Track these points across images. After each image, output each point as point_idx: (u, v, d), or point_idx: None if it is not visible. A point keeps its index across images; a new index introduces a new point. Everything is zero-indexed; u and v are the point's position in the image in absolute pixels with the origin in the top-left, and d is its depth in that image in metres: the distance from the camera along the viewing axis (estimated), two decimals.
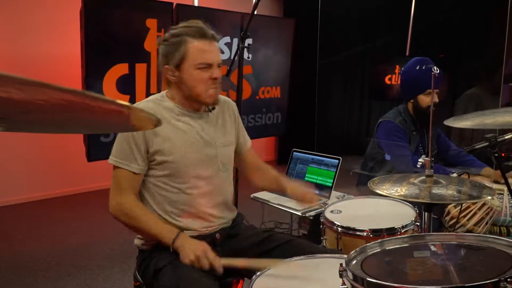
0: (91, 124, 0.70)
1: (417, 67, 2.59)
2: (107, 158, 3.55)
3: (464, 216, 2.30)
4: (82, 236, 3.78)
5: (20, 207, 4.55)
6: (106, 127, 0.80)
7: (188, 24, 1.56)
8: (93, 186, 5.04)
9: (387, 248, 1.06)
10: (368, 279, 0.90)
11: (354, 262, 1.01)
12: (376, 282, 0.88)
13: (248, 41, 4.23)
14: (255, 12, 4.91)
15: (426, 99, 2.60)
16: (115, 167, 1.56)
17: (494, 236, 0.99)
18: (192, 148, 1.60)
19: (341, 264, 0.97)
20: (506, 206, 2.33)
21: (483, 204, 2.25)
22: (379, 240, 1.08)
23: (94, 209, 4.49)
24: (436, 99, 2.57)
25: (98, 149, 3.26)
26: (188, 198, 1.60)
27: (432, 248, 1.03)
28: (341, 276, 0.96)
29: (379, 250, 1.06)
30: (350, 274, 0.93)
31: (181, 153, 1.58)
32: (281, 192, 1.83)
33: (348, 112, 7.08)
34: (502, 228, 2.36)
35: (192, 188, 1.61)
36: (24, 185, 4.64)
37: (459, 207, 2.24)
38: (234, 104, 1.84)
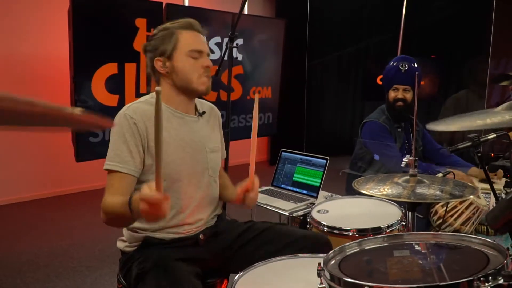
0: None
1: (391, 63, 2.65)
2: (96, 158, 3.53)
3: (451, 216, 2.31)
4: (71, 237, 3.76)
5: (8, 207, 4.52)
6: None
7: (175, 21, 1.59)
8: (82, 186, 5.02)
9: (366, 247, 1.06)
10: (345, 278, 0.90)
11: (332, 262, 1.01)
12: (353, 282, 0.88)
13: (238, 41, 4.25)
14: (246, 12, 4.93)
15: (392, 94, 2.66)
16: (110, 172, 1.48)
17: (469, 235, 1.00)
18: (185, 153, 1.58)
19: (319, 264, 0.97)
20: (493, 205, 2.34)
21: (470, 204, 2.27)
22: (358, 240, 1.09)
23: (83, 210, 4.47)
24: (401, 95, 2.62)
25: (86, 149, 3.24)
26: (175, 202, 1.57)
27: (410, 247, 1.04)
28: (319, 275, 0.96)
29: (358, 249, 1.06)
30: (327, 274, 0.93)
31: (175, 157, 1.55)
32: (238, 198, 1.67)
33: (340, 112, 7.10)
34: (489, 227, 2.38)
35: (181, 193, 1.58)
36: (13, 186, 4.61)
37: (446, 206, 2.25)
38: (219, 113, 1.85)
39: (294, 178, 2.49)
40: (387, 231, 1.74)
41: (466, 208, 2.29)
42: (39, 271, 3.13)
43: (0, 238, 3.76)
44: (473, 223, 2.30)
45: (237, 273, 1.33)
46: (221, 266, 1.67)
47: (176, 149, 1.56)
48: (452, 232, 2.32)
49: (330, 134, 6.96)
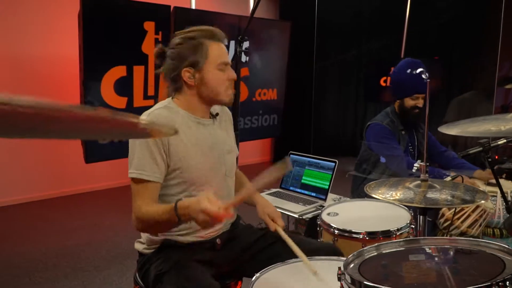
0: (106, 134, 0.72)
1: (408, 71, 2.65)
2: (105, 160, 3.55)
3: (458, 218, 2.34)
4: (79, 237, 3.79)
5: (17, 207, 4.55)
6: (121, 136, 0.82)
7: (199, 28, 1.58)
8: (90, 187, 5.06)
9: (384, 251, 1.09)
10: (365, 282, 0.93)
11: (351, 265, 1.04)
12: (373, 286, 0.91)
13: (245, 44, 4.27)
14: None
15: (411, 102, 2.67)
16: (136, 180, 1.50)
17: (485, 240, 1.02)
18: (204, 156, 1.61)
19: (339, 268, 1.00)
20: (499, 208, 2.37)
21: (477, 207, 2.30)
22: (376, 244, 1.12)
23: (91, 210, 4.51)
24: (420, 104, 2.64)
25: (95, 151, 3.27)
26: None
27: (427, 251, 1.07)
28: (339, 279, 0.99)
29: (375, 253, 1.09)
30: (348, 278, 0.96)
31: (195, 161, 1.58)
32: (251, 205, 1.85)
33: (344, 114, 7.12)
34: (495, 230, 2.41)
35: None
36: (21, 186, 4.64)
37: (453, 209, 2.28)
38: (229, 112, 1.87)
39: (302, 181, 2.52)
40: (397, 234, 1.77)
41: (473, 211, 2.32)
42: (47, 271, 3.16)
43: (9, 237, 3.79)
44: (480, 225, 2.33)
45: (252, 277, 1.36)
46: (236, 270, 1.70)
47: (196, 153, 1.59)
48: (459, 234, 2.36)
49: (334, 135, 6.97)
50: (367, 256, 1.07)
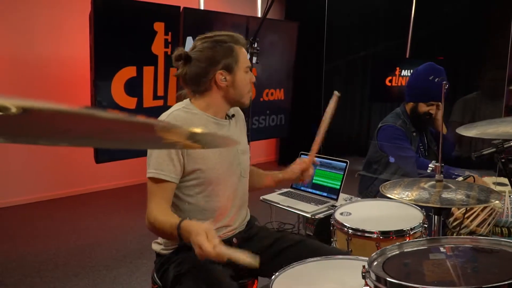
0: (129, 142, 0.73)
1: (430, 77, 2.63)
2: (115, 160, 3.57)
3: (468, 217, 2.37)
4: (89, 237, 3.82)
5: (27, 207, 4.58)
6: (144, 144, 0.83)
7: (226, 33, 1.65)
8: (100, 186, 5.09)
9: (405, 250, 1.12)
10: (390, 279, 0.96)
11: (375, 263, 1.06)
12: (398, 283, 0.94)
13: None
14: (259, 15, 4.96)
15: (425, 108, 2.68)
16: (153, 179, 1.55)
17: (507, 240, 1.05)
18: (221, 157, 1.65)
19: (363, 266, 1.03)
20: (508, 208, 2.40)
21: (486, 206, 2.32)
22: (398, 243, 1.14)
23: (100, 210, 4.54)
24: (433, 111, 2.66)
25: (106, 151, 3.30)
26: (215, 205, 1.65)
27: (448, 250, 1.10)
28: (364, 277, 1.02)
29: (397, 252, 1.12)
30: (373, 275, 0.99)
31: (212, 162, 1.62)
32: (279, 182, 1.94)
33: (350, 114, 7.12)
34: (503, 229, 2.44)
35: (219, 196, 1.66)
36: (31, 185, 4.67)
37: (463, 209, 2.31)
38: (243, 115, 1.94)
39: (314, 181, 2.55)
40: (411, 233, 1.80)
41: (482, 210, 2.35)
42: (58, 271, 3.18)
43: (19, 237, 3.82)
44: (488, 224, 2.35)
45: (269, 277, 1.39)
46: (252, 269, 1.72)
47: (214, 154, 1.63)
48: (468, 233, 2.39)
49: (341, 136, 6.97)
50: (390, 255, 1.10)
